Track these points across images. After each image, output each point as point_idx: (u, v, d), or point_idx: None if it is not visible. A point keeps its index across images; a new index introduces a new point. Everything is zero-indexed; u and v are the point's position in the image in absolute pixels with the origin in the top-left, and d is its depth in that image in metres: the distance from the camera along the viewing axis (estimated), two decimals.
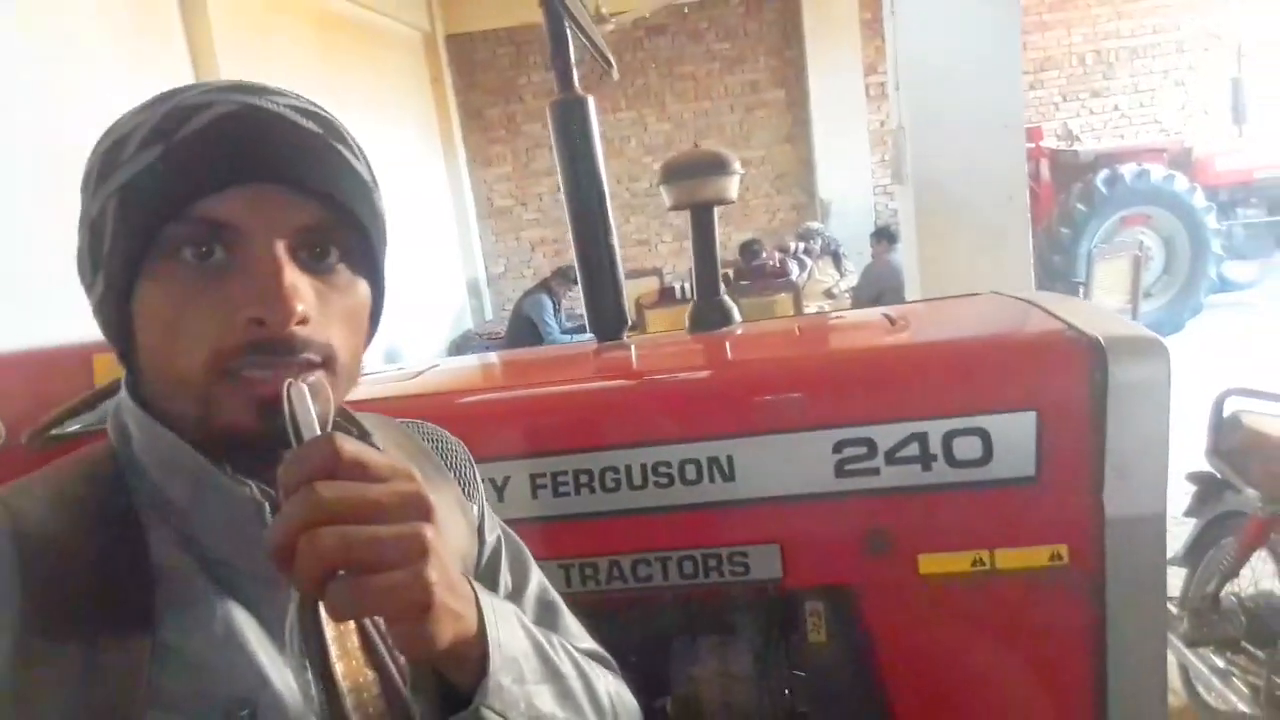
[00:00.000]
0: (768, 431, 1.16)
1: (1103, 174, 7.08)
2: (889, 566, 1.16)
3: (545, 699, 0.65)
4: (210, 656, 0.57)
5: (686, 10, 9.07)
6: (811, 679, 1.24)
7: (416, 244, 7.60)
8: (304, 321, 0.57)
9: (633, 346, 1.52)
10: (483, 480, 0.84)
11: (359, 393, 0.67)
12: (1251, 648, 2.16)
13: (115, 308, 0.60)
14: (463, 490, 0.79)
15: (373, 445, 0.63)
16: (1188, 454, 2.12)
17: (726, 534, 1.19)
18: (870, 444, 1.13)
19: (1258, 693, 2.07)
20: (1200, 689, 2.29)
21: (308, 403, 0.53)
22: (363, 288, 0.64)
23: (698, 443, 1.17)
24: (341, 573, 0.49)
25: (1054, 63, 9.30)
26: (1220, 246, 7.23)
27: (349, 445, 0.51)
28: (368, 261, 0.64)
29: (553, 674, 0.67)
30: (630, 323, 1.59)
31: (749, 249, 7.27)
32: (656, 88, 9.53)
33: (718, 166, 1.52)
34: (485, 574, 0.78)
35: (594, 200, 1.51)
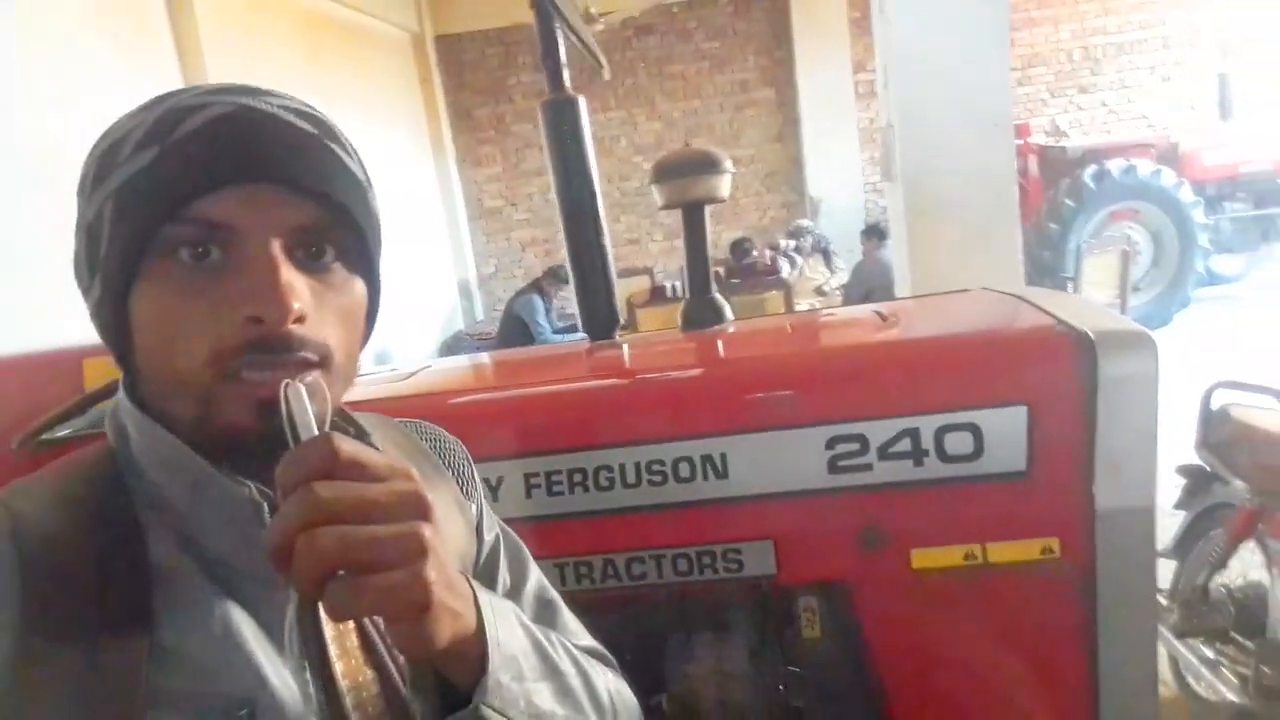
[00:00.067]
0: (760, 429, 1.17)
1: (1090, 169, 7.13)
2: (882, 562, 1.16)
3: (545, 696, 0.65)
4: (209, 656, 0.57)
5: (675, 10, 9.08)
6: (806, 674, 1.24)
7: (407, 245, 7.58)
8: (301, 319, 0.57)
9: (625, 345, 1.52)
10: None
11: (352, 394, 0.68)
12: (1240, 638, 2.17)
13: (113, 310, 0.60)
14: (461, 489, 0.79)
15: (371, 445, 0.63)
16: (1177, 447, 2.14)
17: (720, 531, 1.19)
18: (862, 440, 1.14)
19: (1246, 682, 2.08)
20: (1190, 679, 2.30)
21: (305, 403, 0.53)
22: (359, 287, 0.64)
23: (691, 440, 1.17)
24: (340, 572, 0.49)
25: (1042, 59, 9.34)
26: (1207, 240, 7.29)
27: (346, 445, 0.51)
28: (363, 261, 0.64)
29: (552, 671, 0.68)
30: (622, 322, 1.59)
31: (740, 247, 7.28)
32: (646, 87, 9.53)
33: (709, 165, 1.52)
34: (484, 572, 0.78)
35: (585, 200, 1.51)
